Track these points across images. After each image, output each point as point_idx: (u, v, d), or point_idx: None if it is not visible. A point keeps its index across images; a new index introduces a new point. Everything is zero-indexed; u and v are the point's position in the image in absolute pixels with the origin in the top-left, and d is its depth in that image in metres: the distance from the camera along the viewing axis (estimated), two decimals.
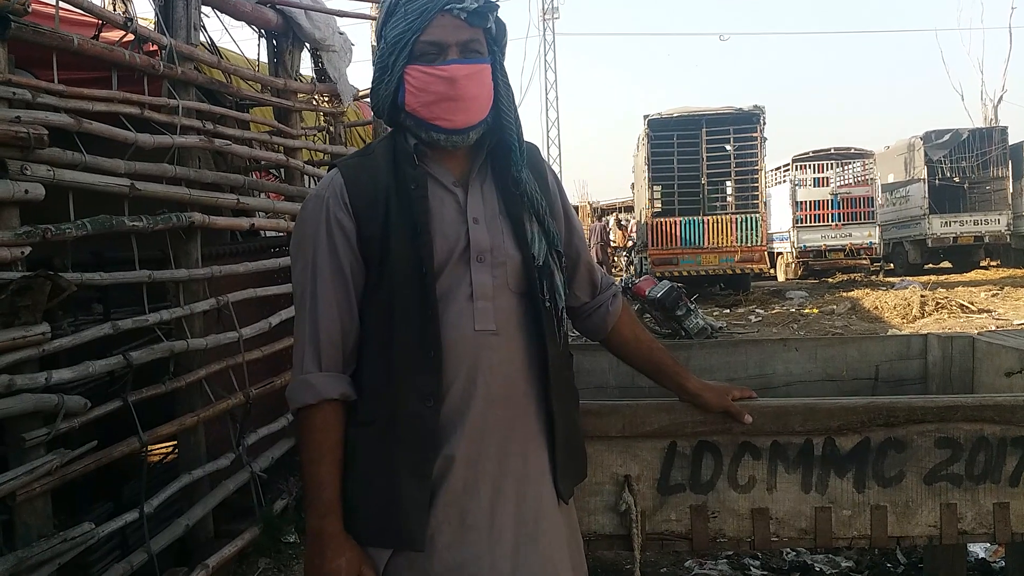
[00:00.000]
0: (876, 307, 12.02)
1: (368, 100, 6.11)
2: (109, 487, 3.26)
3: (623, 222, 23.12)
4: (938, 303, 11.51)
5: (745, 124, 15.71)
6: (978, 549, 3.31)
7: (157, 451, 3.90)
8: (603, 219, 23.93)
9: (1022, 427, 1.91)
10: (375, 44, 5.45)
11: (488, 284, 1.50)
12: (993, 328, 9.69)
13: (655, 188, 16.22)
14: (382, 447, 1.46)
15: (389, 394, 1.47)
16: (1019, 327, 9.85)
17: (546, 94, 32.37)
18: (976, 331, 8.71)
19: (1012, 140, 20.25)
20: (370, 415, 1.48)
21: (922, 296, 11.74)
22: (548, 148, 31.89)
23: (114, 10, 3.92)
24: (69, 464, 2.44)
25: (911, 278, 17.09)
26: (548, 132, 31.92)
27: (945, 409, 1.92)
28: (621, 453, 1.94)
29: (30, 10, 2.40)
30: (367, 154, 1.62)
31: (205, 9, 3.81)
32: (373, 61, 1.61)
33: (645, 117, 15.96)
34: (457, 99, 1.48)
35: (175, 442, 3.51)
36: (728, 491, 1.95)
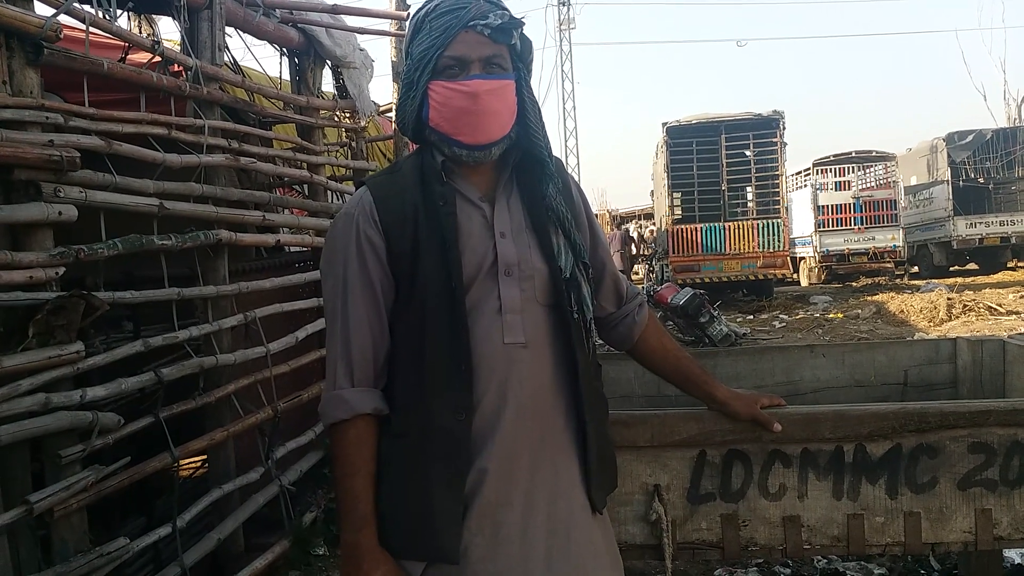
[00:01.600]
0: (902, 311, 11.89)
1: (389, 115, 6.17)
2: (142, 502, 3.30)
3: (632, 232, 23.03)
4: (965, 306, 11.36)
5: (765, 129, 15.66)
6: (1014, 555, 3.26)
7: (188, 466, 3.94)
8: (623, 227, 23.85)
9: None
10: (395, 60, 5.53)
11: (516, 297, 1.51)
12: (1023, 330, 9.56)
13: (675, 195, 16.17)
14: (415, 461, 1.48)
15: (421, 408, 1.48)
16: None
17: (563, 104, 32.51)
18: (1006, 334, 8.58)
19: None
20: (403, 429, 1.50)
21: (948, 299, 11.59)
22: (567, 157, 31.95)
23: (140, 32, 4.01)
24: (104, 480, 2.48)
25: (937, 280, 16.89)
26: (566, 141, 31.99)
27: (977, 414, 1.91)
28: (650, 463, 1.94)
29: (62, 36, 2.45)
30: (395, 171, 1.64)
31: (228, 29, 3.87)
32: (393, 77, 1.64)
33: (664, 124, 15.95)
34: (479, 114, 1.49)
35: (205, 456, 3.54)
36: (759, 499, 1.94)
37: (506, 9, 1.53)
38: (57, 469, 2.32)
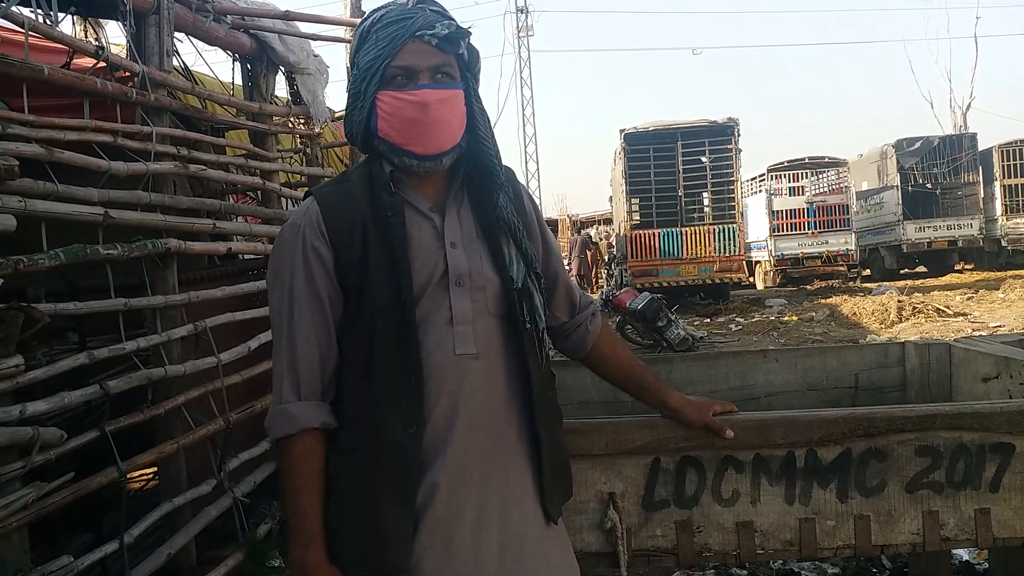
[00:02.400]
0: (854, 313, 12.13)
1: (343, 120, 6.11)
2: (89, 518, 3.21)
3: (593, 237, 23.14)
4: (915, 308, 11.64)
5: (720, 136, 15.89)
6: (962, 552, 3.33)
7: (137, 479, 3.85)
8: (583, 232, 23.97)
9: (1000, 433, 1.93)
10: (349, 67, 5.47)
11: (468, 308, 1.50)
12: (970, 331, 9.82)
13: (633, 201, 16.33)
14: (365, 475, 1.45)
15: (371, 422, 1.46)
16: (994, 329, 9.98)
17: (523, 110, 32.55)
18: (953, 336, 8.79)
19: (981, 146, 20.59)
20: (352, 443, 1.47)
21: (899, 301, 11.86)
22: (526, 163, 32.03)
23: (85, 38, 3.92)
24: (46, 497, 2.40)
25: (888, 283, 17.28)
26: (526, 147, 32.07)
27: (924, 418, 1.94)
28: (605, 471, 1.93)
29: None
30: (343, 181, 1.62)
31: (178, 35, 3.80)
32: (347, 87, 1.62)
33: (621, 131, 16.10)
34: (429, 124, 1.48)
35: (155, 469, 3.46)
36: (712, 505, 1.95)
37: (453, 19, 1.52)
38: None
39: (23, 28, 2.63)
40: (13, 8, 2.55)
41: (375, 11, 1.52)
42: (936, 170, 21.09)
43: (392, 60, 1.47)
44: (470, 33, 1.53)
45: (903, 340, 3.20)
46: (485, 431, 1.49)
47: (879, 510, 1.95)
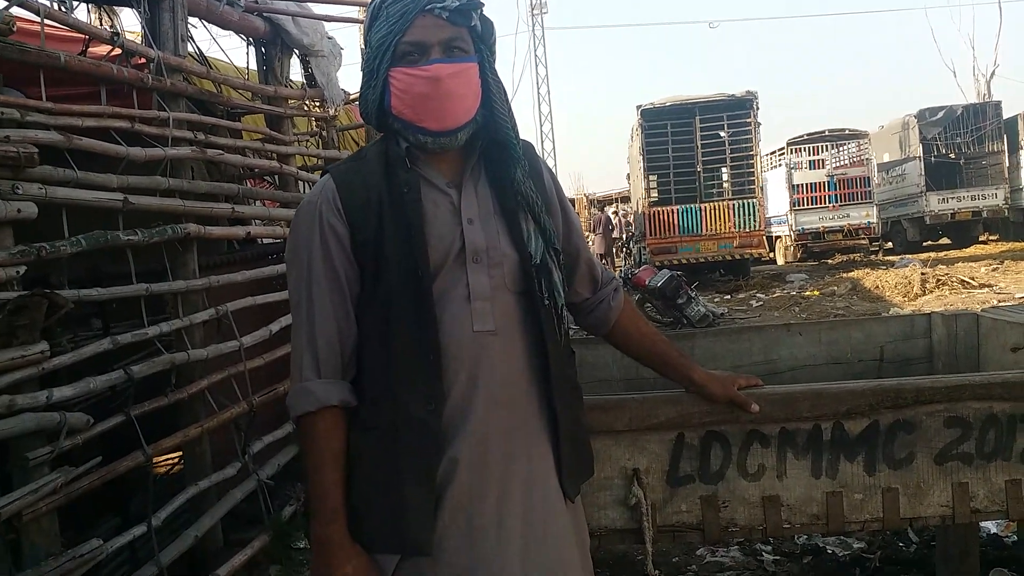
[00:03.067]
0: (877, 287, 12.00)
1: (358, 103, 6.09)
2: (116, 501, 3.25)
3: (612, 216, 23.01)
4: (939, 280, 11.50)
5: (739, 110, 15.71)
6: (990, 524, 3.30)
7: (163, 463, 3.89)
8: (604, 210, 23.80)
9: None
10: (363, 48, 5.44)
11: (485, 284, 1.48)
12: (995, 303, 9.68)
13: (651, 177, 16.21)
14: (385, 452, 1.45)
15: (390, 399, 1.46)
16: (1021, 300, 9.83)
17: (538, 88, 32.39)
18: (979, 307, 8.69)
19: (1006, 114, 20.21)
20: (372, 420, 1.47)
21: (922, 274, 11.71)
22: (542, 142, 31.90)
23: (100, 24, 3.92)
24: (74, 481, 2.43)
25: (910, 256, 17.07)
26: (541, 126, 31.93)
27: (953, 388, 1.91)
28: (629, 447, 1.92)
29: (14, 29, 2.38)
30: (359, 159, 1.60)
31: (192, 20, 3.79)
32: (361, 67, 1.60)
33: (638, 107, 15.94)
34: (442, 99, 1.46)
35: (180, 453, 3.50)
36: (738, 480, 1.93)
37: None
38: (24, 472, 2.27)
39: (39, 16, 2.62)
40: None
41: None
42: (959, 140, 20.75)
43: (403, 36, 1.45)
44: (482, 4, 1.50)
45: (929, 312, 3.15)
46: (506, 408, 1.48)
47: (907, 482, 1.93)
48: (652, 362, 1.85)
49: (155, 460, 2.98)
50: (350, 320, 1.49)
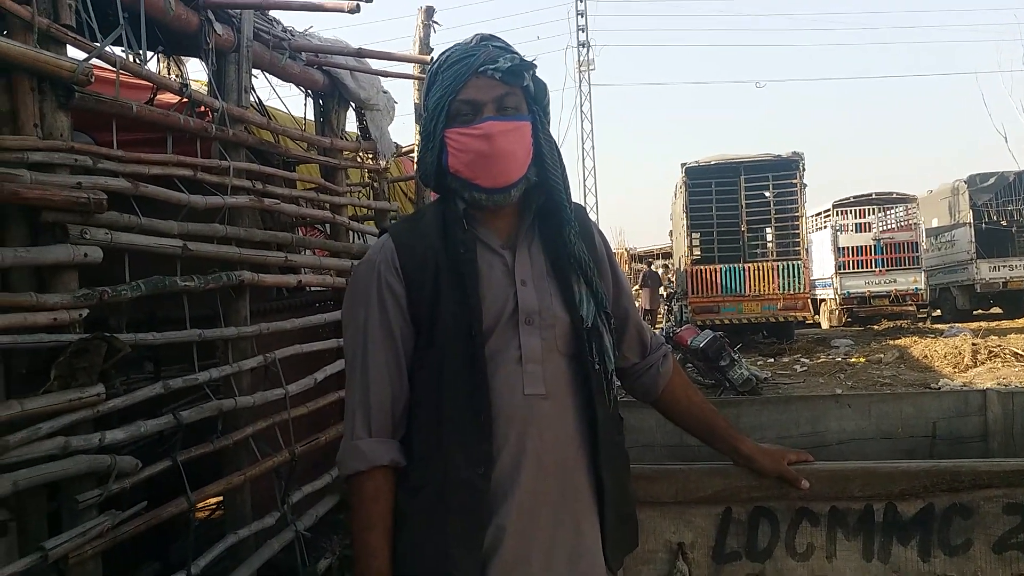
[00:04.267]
0: (925, 356, 11.72)
1: (410, 155, 6.21)
2: (157, 545, 3.27)
3: (658, 271, 22.87)
4: (991, 351, 11.19)
5: (784, 171, 15.66)
6: None
7: (203, 508, 3.91)
8: (651, 264, 23.63)
9: None
10: (417, 103, 5.59)
11: (537, 347, 1.49)
12: None
13: (694, 235, 16.17)
14: (433, 515, 1.45)
15: (439, 460, 1.46)
16: None
17: (582, 143, 32.76)
18: None
19: None
20: (421, 481, 1.47)
21: (973, 344, 11.42)
22: (585, 196, 32.08)
23: (168, 73, 4.08)
24: (120, 525, 2.46)
25: (960, 325, 16.68)
26: (584, 180, 32.15)
27: (1012, 473, 1.85)
28: (674, 519, 1.89)
29: (92, 80, 2.49)
30: (418, 218, 1.64)
31: (255, 71, 3.93)
32: (415, 118, 1.66)
33: (683, 165, 15.99)
34: (495, 156, 1.49)
35: (221, 498, 3.52)
36: (786, 559, 1.89)
37: (516, 53, 1.54)
38: (73, 514, 2.30)
39: (114, 67, 2.74)
40: (106, 48, 2.66)
41: (441, 54, 1.56)
42: (1012, 207, 20.38)
43: (457, 96, 1.49)
44: (535, 66, 1.54)
45: (983, 387, 3.07)
46: (553, 474, 1.48)
47: (964, 571, 1.86)
48: (699, 431, 1.83)
49: (197, 505, 3.00)
50: (403, 380, 1.51)
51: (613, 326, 1.60)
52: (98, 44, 2.56)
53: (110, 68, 2.80)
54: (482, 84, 1.49)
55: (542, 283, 1.54)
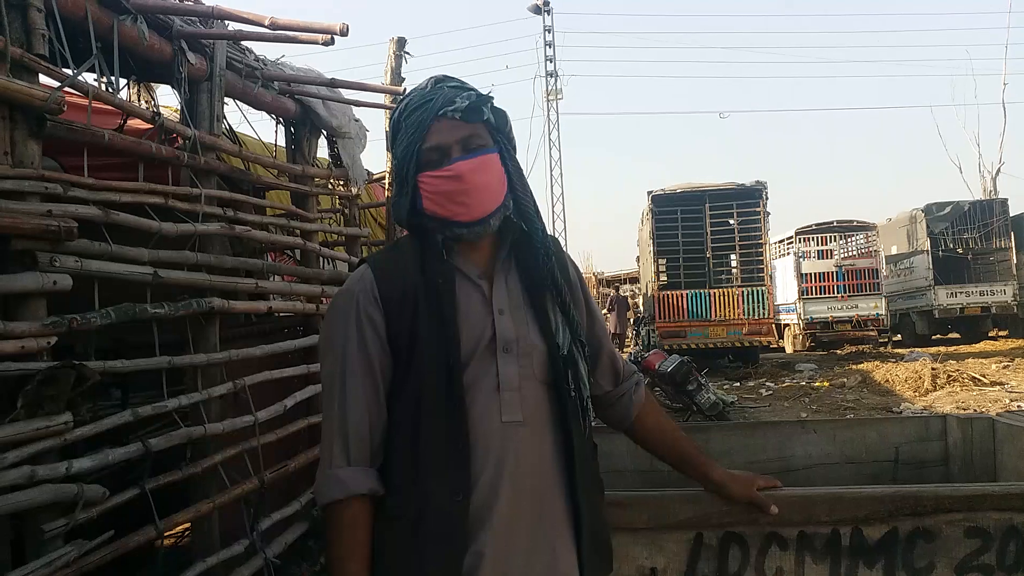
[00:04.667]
0: (887, 380, 11.93)
1: (381, 182, 6.19)
2: (123, 574, 3.21)
3: (626, 298, 23.05)
4: (950, 375, 11.43)
5: (748, 199, 15.96)
6: None
7: (171, 535, 3.85)
8: (619, 289, 23.81)
9: None
10: (387, 131, 5.62)
11: (514, 374, 1.51)
12: (1008, 401, 9.61)
13: (660, 261, 16.37)
14: (411, 543, 1.45)
15: (417, 488, 1.47)
16: None
17: (551, 171, 32.98)
18: (990, 407, 8.59)
19: (1012, 212, 20.44)
20: (398, 510, 1.48)
21: (933, 369, 11.66)
22: (553, 222, 32.25)
23: (139, 99, 4.07)
24: (86, 555, 2.42)
25: (920, 349, 17.02)
26: (553, 207, 32.34)
27: (973, 498, 1.91)
28: (647, 545, 1.91)
29: (64, 109, 2.49)
30: (396, 248, 1.66)
31: (227, 99, 3.93)
32: (386, 146, 1.69)
33: (649, 193, 16.22)
34: (468, 192, 1.52)
35: (188, 525, 3.47)
36: None
37: (473, 89, 1.57)
38: (39, 544, 2.27)
39: (86, 95, 2.74)
40: (78, 77, 2.66)
41: (401, 101, 1.60)
42: (967, 235, 20.94)
43: (424, 144, 1.53)
44: (491, 98, 1.58)
45: (944, 413, 3.16)
46: (530, 499, 1.49)
47: None
48: (671, 458, 1.86)
49: (165, 533, 2.96)
50: (381, 409, 1.52)
51: (587, 354, 1.63)
52: (70, 72, 2.56)
53: (82, 96, 2.80)
54: (444, 127, 1.52)
55: (519, 312, 1.56)
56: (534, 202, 1.63)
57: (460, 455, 1.45)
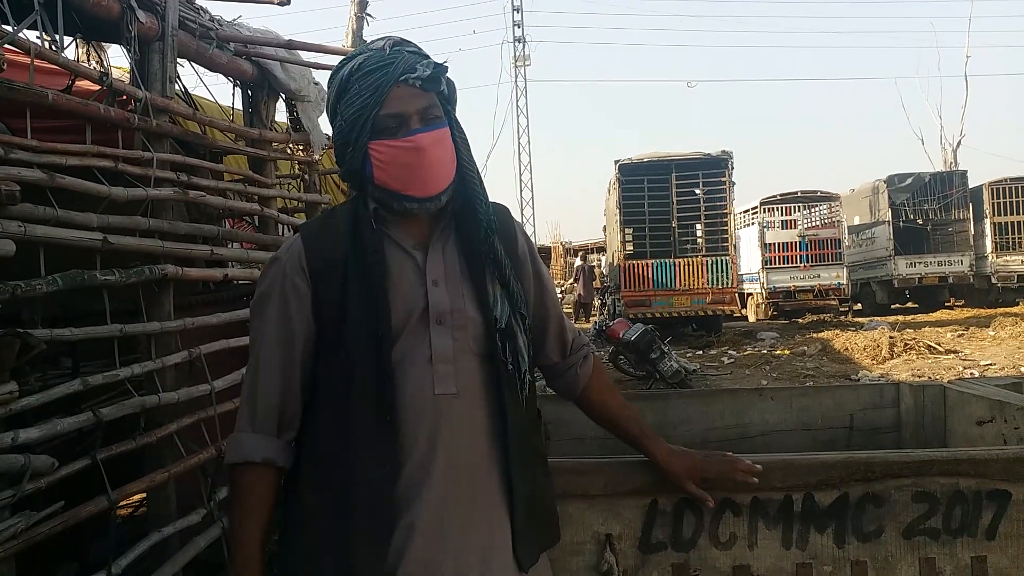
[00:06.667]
0: (846, 348, 12.16)
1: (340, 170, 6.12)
2: (75, 546, 3.17)
3: (592, 267, 23.16)
4: (906, 344, 11.69)
5: (714, 168, 16.06)
6: None
7: (125, 506, 3.81)
8: (587, 259, 23.87)
9: (996, 480, 1.93)
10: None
11: (448, 347, 1.49)
12: (961, 369, 9.86)
13: (627, 231, 16.44)
14: (337, 515, 1.44)
15: (345, 460, 1.45)
16: (985, 368, 10.02)
17: (518, 138, 32.80)
18: (944, 375, 8.80)
19: (971, 183, 20.81)
20: (324, 481, 1.47)
21: (891, 337, 11.91)
22: (521, 190, 32.19)
23: (87, 60, 3.94)
24: (35, 526, 2.38)
25: (879, 318, 17.36)
26: (521, 175, 32.25)
27: (921, 463, 1.94)
28: (603, 511, 1.92)
29: (4, 68, 2.39)
30: (329, 217, 1.62)
31: (180, 60, 3.82)
32: (333, 137, 1.62)
33: (616, 162, 16.24)
34: (427, 167, 1.49)
35: (144, 497, 3.43)
36: (709, 548, 1.94)
37: (429, 57, 1.53)
38: None
39: (29, 53, 2.63)
40: (20, 34, 2.56)
41: (350, 59, 1.52)
42: (927, 206, 21.31)
43: (381, 109, 1.47)
44: (447, 68, 1.54)
45: (898, 381, 3.22)
46: (465, 473, 1.48)
47: (876, 556, 1.94)
48: (615, 433, 1.83)
49: (118, 504, 2.92)
50: (294, 380, 1.50)
51: (534, 326, 1.60)
52: (10, 29, 2.46)
53: (25, 54, 2.69)
54: (404, 94, 1.47)
55: (455, 283, 1.53)
56: (479, 174, 1.60)
57: (388, 427, 1.44)
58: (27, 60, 2.69)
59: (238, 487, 1.49)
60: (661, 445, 1.81)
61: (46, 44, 2.82)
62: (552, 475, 1.72)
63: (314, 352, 1.51)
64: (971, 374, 9.20)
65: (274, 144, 4.69)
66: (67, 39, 3.18)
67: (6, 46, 2.49)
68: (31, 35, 2.74)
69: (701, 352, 13.56)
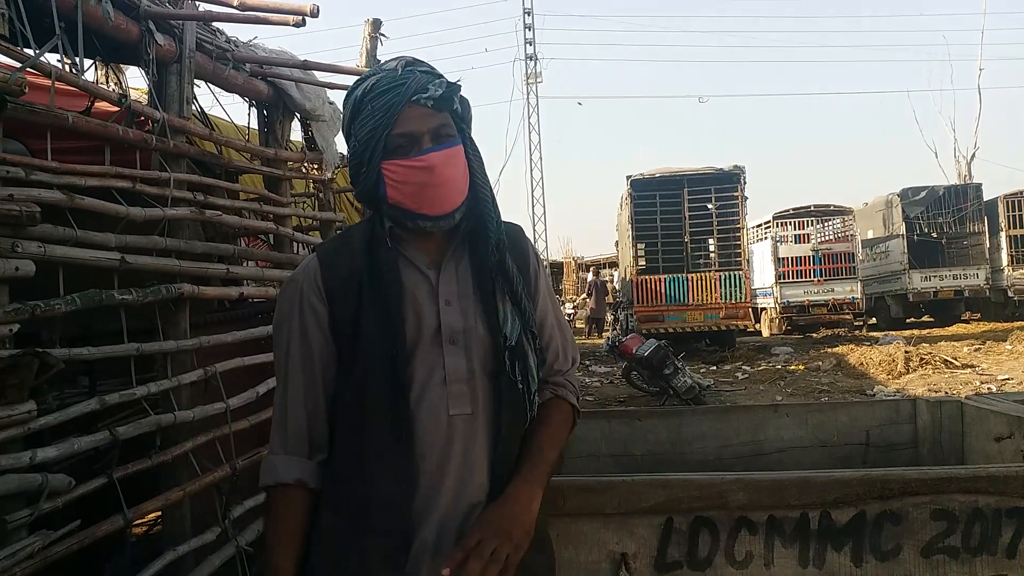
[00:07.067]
0: (861, 363, 12.06)
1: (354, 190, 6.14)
2: (91, 564, 3.18)
3: (605, 282, 23.15)
4: (922, 358, 11.58)
5: (726, 184, 16.03)
6: None
7: (140, 524, 3.82)
8: (599, 274, 23.81)
9: (1016, 498, 1.92)
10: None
11: (461, 366, 1.50)
12: (978, 383, 9.75)
13: (639, 246, 16.41)
14: (354, 533, 1.45)
15: (361, 478, 1.46)
16: (1003, 383, 9.91)
17: (530, 155, 32.92)
18: (960, 390, 8.71)
19: (986, 196, 20.67)
20: (342, 499, 1.48)
21: (906, 352, 11.80)
22: (533, 206, 32.26)
23: (107, 81, 3.99)
24: (52, 545, 2.39)
25: (894, 333, 17.23)
26: (532, 191, 32.34)
27: (939, 481, 1.93)
28: (617, 530, 1.92)
29: (25, 91, 2.43)
30: (346, 237, 1.65)
31: (197, 81, 3.86)
32: (348, 158, 1.63)
33: (628, 177, 16.23)
34: (439, 185, 1.50)
35: (159, 514, 3.43)
36: (726, 567, 1.93)
37: (442, 76, 1.54)
38: (2, 535, 2.23)
39: (49, 76, 2.67)
40: (41, 59, 2.60)
41: (363, 80, 1.53)
42: (941, 219, 21.17)
43: (392, 129, 1.48)
44: (460, 87, 1.55)
45: (914, 396, 3.19)
46: (477, 491, 1.48)
47: (894, 575, 1.93)
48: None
49: (133, 522, 2.93)
50: (319, 401, 1.53)
51: (538, 345, 1.59)
52: (32, 53, 2.50)
53: (45, 77, 2.73)
54: (416, 114, 1.48)
55: (467, 302, 1.53)
56: (492, 192, 1.60)
57: (404, 446, 1.45)
58: (48, 83, 2.73)
59: (272, 510, 1.51)
60: (513, 492, 1.49)
61: (66, 67, 2.86)
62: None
63: (335, 371, 1.52)
64: (989, 389, 9.10)
65: (289, 163, 4.72)
66: (87, 61, 3.22)
67: (28, 69, 2.53)
68: (52, 58, 2.78)
69: (715, 367, 13.49)
